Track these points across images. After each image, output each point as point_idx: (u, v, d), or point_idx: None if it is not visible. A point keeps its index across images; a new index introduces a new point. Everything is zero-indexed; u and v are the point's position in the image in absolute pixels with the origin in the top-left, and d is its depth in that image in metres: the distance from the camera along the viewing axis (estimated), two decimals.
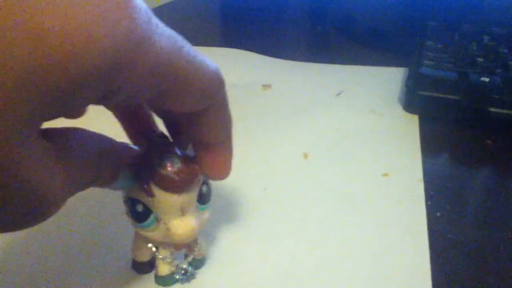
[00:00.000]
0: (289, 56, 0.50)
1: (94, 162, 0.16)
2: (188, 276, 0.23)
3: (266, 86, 0.44)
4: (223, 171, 0.21)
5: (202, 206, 0.21)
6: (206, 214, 0.22)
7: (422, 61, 0.41)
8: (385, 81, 0.44)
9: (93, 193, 0.28)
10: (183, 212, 0.20)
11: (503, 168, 0.32)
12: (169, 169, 0.19)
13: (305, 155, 0.34)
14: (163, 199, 0.19)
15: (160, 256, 0.22)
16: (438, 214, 0.28)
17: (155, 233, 0.21)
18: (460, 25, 0.48)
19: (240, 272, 0.24)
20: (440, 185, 0.30)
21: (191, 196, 0.20)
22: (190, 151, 0.21)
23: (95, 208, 0.28)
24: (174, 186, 0.19)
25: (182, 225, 0.20)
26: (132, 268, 0.24)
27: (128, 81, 0.13)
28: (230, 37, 0.58)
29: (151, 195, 0.19)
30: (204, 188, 0.21)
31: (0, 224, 0.14)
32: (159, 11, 0.62)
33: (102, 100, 0.14)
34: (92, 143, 0.16)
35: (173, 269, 0.23)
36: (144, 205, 0.20)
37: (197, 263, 0.24)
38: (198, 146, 0.20)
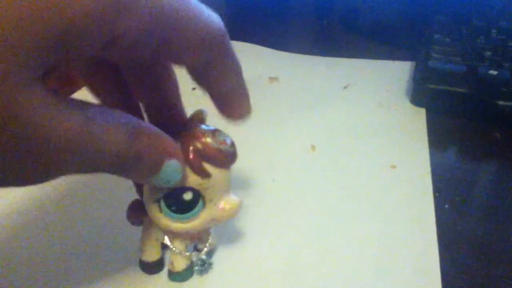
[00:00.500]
0: (296, 49, 0.50)
1: (124, 133, 0.15)
2: (206, 267, 0.23)
3: (272, 79, 0.44)
4: (244, 109, 0.21)
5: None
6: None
7: (430, 54, 0.41)
8: (392, 75, 0.44)
9: (100, 191, 0.29)
10: (229, 188, 0.21)
11: (511, 161, 0.32)
12: (227, 143, 0.19)
13: (313, 148, 0.34)
14: (219, 177, 0.19)
15: (176, 251, 0.22)
16: (447, 206, 0.28)
17: (196, 222, 0.20)
18: (468, 18, 0.48)
19: (249, 261, 0.24)
20: (448, 177, 0.30)
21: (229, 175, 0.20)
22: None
23: (102, 207, 0.28)
24: (232, 160, 0.20)
25: (233, 201, 0.21)
26: (140, 268, 0.23)
27: (128, 24, 0.13)
28: (237, 31, 0.58)
29: (208, 175, 0.19)
30: None
31: (6, 174, 0.13)
32: None
33: (105, 49, 0.14)
34: (122, 117, 0.16)
35: (188, 262, 0.22)
36: (193, 192, 0.19)
37: (209, 254, 0.23)
38: (213, 95, 0.20)
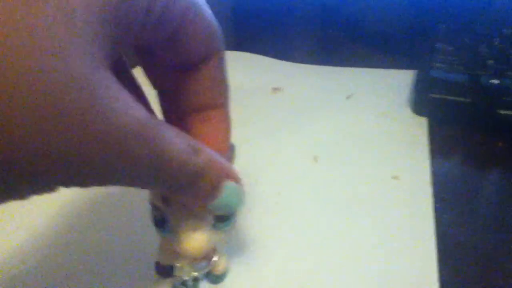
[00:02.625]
0: (298, 59, 0.50)
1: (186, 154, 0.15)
2: None
3: (276, 89, 0.45)
4: (222, 143, 0.20)
5: (221, 224, 0.21)
6: (226, 231, 0.21)
7: (432, 63, 0.41)
8: (394, 84, 0.44)
9: (119, 194, 0.29)
10: (195, 227, 0.20)
11: None
12: None
13: (315, 158, 0.34)
14: (177, 211, 0.19)
15: (177, 265, 0.22)
16: (447, 216, 0.28)
17: (168, 241, 0.21)
18: (471, 27, 0.48)
19: (255, 274, 0.24)
20: (449, 188, 0.30)
21: (205, 213, 0.20)
22: None
23: (121, 209, 0.28)
24: None
25: (191, 240, 0.20)
26: (155, 271, 0.23)
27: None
28: (240, 41, 0.59)
29: (168, 204, 0.19)
30: None
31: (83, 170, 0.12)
32: None
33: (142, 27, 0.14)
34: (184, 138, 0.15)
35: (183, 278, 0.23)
36: (161, 213, 0.20)
37: (216, 279, 0.23)
38: (194, 116, 0.19)
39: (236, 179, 0.17)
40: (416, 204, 0.29)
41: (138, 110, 0.13)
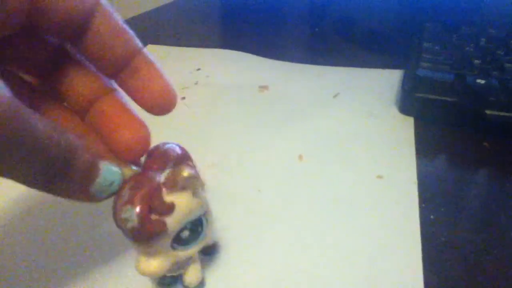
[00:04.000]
0: (286, 58, 0.50)
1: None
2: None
3: (263, 88, 0.44)
4: (162, 83, 0.18)
5: (182, 247, 0.20)
6: (190, 251, 0.21)
7: (419, 63, 0.41)
8: (381, 83, 0.44)
9: None
10: (148, 254, 0.19)
11: (500, 171, 0.32)
12: (123, 224, 0.17)
13: (300, 157, 0.33)
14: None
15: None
16: (432, 216, 0.28)
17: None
18: (458, 27, 0.48)
19: (234, 273, 0.24)
20: (434, 187, 0.30)
21: (156, 245, 0.19)
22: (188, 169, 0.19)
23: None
24: (130, 239, 0.18)
25: (145, 265, 0.19)
26: None
27: None
28: (228, 39, 0.58)
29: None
30: (185, 233, 0.20)
31: None
32: (157, 13, 0.62)
33: None
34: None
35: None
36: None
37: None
38: (122, 76, 0.18)
39: (111, 159, 0.17)
40: (402, 203, 0.29)
41: (2, 92, 0.13)
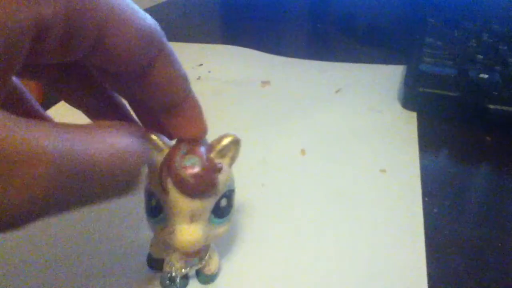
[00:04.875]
0: (288, 53, 0.50)
1: None
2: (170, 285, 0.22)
3: (265, 83, 0.44)
4: (199, 128, 0.19)
5: (217, 220, 0.20)
6: (221, 229, 0.21)
7: (421, 58, 0.41)
8: (384, 79, 0.44)
9: None
10: (192, 219, 0.19)
11: (502, 165, 0.32)
12: (187, 171, 0.18)
13: (303, 152, 0.33)
14: (175, 200, 0.19)
15: (168, 259, 0.22)
16: (435, 210, 0.28)
17: (162, 233, 0.20)
18: (460, 22, 0.48)
19: (237, 268, 0.24)
20: (437, 181, 0.30)
21: (204, 205, 0.19)
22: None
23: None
24: (188, 189, 0.18)
25: (186, 233, 0.19)
26: (147, 264, 0.23)
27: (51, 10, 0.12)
28: (230, 34, 0.58)
29: (165, 191, 0.19)
30: (223, 202, 0.20)
31: None
32: (158, 9, 0.62)
33: (35, 46, 0.13)
34: None
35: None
36: (158, 201, 0.19)
37: (207, 279, 0.23)
38: (164, 115, 0.19)
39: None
40: (405, 197, 0.29)
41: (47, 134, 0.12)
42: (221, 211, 0.20)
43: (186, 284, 0.23)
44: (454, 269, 0.24)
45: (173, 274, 0.22)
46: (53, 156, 0.11)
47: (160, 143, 0.19)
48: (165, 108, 0.18)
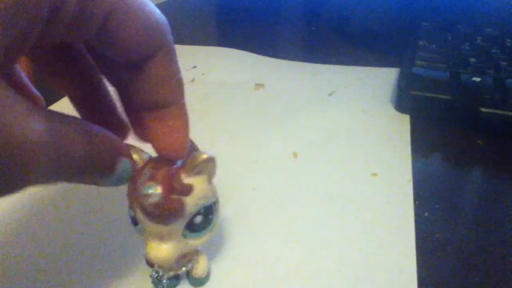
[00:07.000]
0: (282, 56, 0.50)
1: (85, 138, 0.15)
2: (157, 284, 0.22)
3: (258, 85, 0.44)
4: (178, 146, 0.19)
5: (194, 234, 0.20)
6: (199, 241, 0.20)
7: (414, 61, 0.41)
8: (377, 82, 0.44)
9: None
10: (161, 238, 0.19)
11: (494, 169, 0.32)
12: (147, 200, 0.18)
13: (295, 155, 0.33)
14: (143, 221, 0.18)
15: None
16: (426, 214, 0.28)
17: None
18: (453, 25, 0.48)
19: (227, 270, 0.24)
20: (429, 185, 0.30)
21: (170, 228, 0.19)
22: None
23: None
24: (149, 217, 0.18)
25: (155, 250, 0.19)
26: (147, 263, 0.23)
27: None
28: (224, 36, 0.58)
29: (133, 213, 0.19)
30: (198, 219, 0.20)
31: None
32: None
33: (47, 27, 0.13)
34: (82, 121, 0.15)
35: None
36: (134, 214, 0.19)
37: (196, 281, 0.23)
38: (148, 115, 0.18)
39: (128, 155, 0.17)
40: (396, 201, 0.29)
41: (38, 122, 0.13)
42: (197, 226, 0.20)
43: (176, 284, 0.23)
44: (444, 272, 0.24)
45: (160, 273, 0.22)
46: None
47: (139, 160, 0.19)
48: (154, 106, 0.18)
